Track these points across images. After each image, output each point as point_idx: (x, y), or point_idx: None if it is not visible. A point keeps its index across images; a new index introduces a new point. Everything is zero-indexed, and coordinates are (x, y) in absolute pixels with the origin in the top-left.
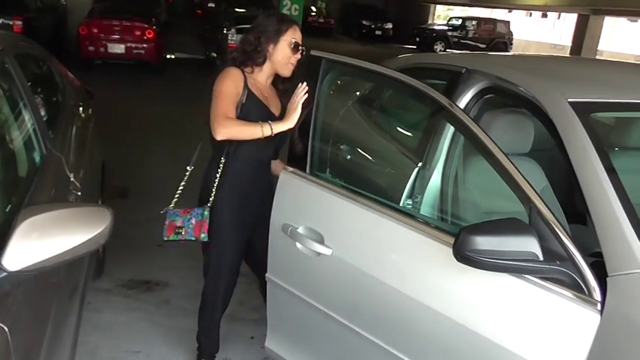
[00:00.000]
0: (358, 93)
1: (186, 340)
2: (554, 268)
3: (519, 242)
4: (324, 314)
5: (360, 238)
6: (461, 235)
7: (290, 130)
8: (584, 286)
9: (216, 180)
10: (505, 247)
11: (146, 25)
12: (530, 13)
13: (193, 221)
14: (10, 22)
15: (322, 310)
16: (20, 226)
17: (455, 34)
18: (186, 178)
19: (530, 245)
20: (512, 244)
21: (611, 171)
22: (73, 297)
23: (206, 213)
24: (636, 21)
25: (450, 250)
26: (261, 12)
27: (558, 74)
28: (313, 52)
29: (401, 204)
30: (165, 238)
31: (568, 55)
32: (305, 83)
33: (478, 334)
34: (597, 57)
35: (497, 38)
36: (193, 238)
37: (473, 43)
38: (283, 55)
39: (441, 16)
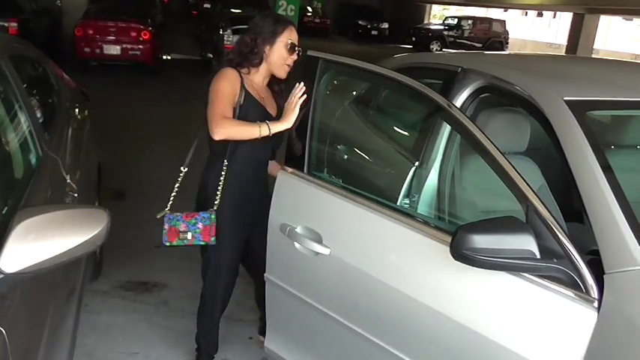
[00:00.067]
0: (355, 93)
1: (185, 341)
2: (552, 266)
3: (516, 240)
4: (323, 314)
5: (358, 238)
6: (458, 233)
7: (287, 130)
8: (581, 284)
9: (220, 182)
10: (502, 246)
11: (142, 26)
12: (526, 13)
13: (200, 225)
14: (5, 24)
15: (321, 310)
16: (16, 228)
17: (451, 33)
18: (180, 180)
19: (527, 243)
20: (509, 243)
21: (607, 169)
22: (70, 299)
23: (213, 217)
24: (631, 20)
25: (448, 249)
26: (257, 12)
27: (554, 73)
28: (310, 53)
29: (398, 203)
30: (167, 244)
31: (564, 54)
32: (302, 83)
33: (476, 332)
34: (593, 56)
35: (493, 37)
36: (203, 243)
37: (469, 43)
38: (279, 56)
39: (437, 16)
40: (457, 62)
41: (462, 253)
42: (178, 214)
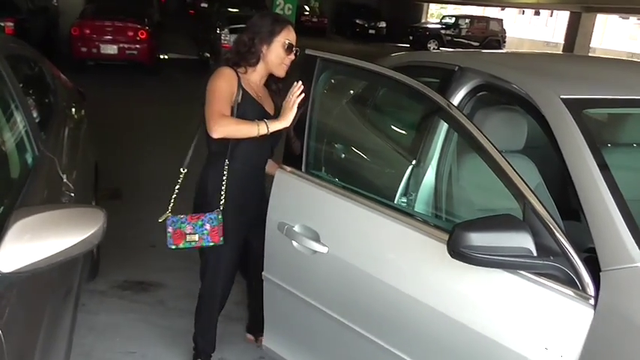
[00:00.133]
0: (353, 92)
1: (182, 341)
2: (548, 264)
3: (513, 238)
4: (321, 312)
5: (356, 236)
6: (455, 231)
7: (285, 128)
8: (577, 282)
9: (224, 182)
10: (499, 243)
11: (139, 26)
12: (523, 11)
13: (208, 226)
14: (2, 24)
15: (319, 308)
16: (12, 228)
17: (448, 32)
18: (180, 181)
19: (524, 241)
20: (506, 240)
21: (603, 167)
22: (67, 298)
23: (220, 217)
24: (628, 18)
25: (445, 247)
26: (254, 12)
27: (551, 71)
28: (308, 52)
29: (395, 201)
30: (173, 247)
31: (560, 53)
32: (300, 82)
33: (473, 329)
34: (590, 54)
35: (490, 36)
36: (211, 244)
37: (466, 42)
38: (277, 56)
39: (434, 15)
40: (454, 61)
41: (459, 251)
42: (182, 216)
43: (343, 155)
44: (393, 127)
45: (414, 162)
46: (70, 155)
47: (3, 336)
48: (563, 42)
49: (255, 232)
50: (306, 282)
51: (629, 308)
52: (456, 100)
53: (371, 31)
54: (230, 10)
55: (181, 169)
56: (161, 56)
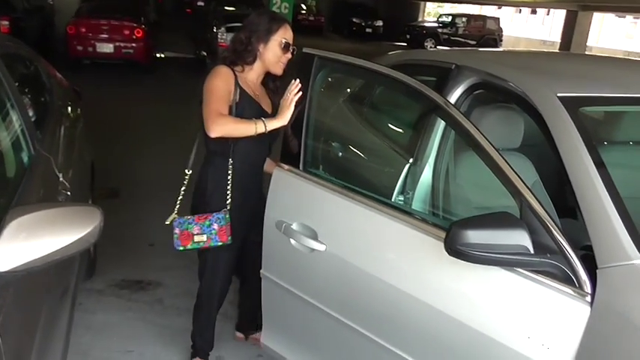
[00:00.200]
0: (351, 90)
1: (180, 339)
2: (545, 261)
3: (510, 236)
4: (319, 310)
5: (354, 234)
6: (452, 229)
7: (283, 127)
8: (574, 279)
9: (229, 181)
10: (496, 241)
11: (135, 24)
12: (520, 10)
13: (216, 226)
14: None
15: (317, 306)
16: (8, 227)
17: (445, 31)
18: (186, 182)
19: (521, 239)
20: (503, 238)
21: (600, 165)
22: (64, 298)
23: (228, 216)
24: (624, 17)
25: (442, 245)
26: (251, 10)
27: (547, 70)
28: (306, 50)
29: (393, 200)
30: (181, 248)
31: (557, 51)
32: (298, 80)
33: (470, 327)
34: (586, 53)
35: (487, 35)
36: (220, 243)
37: (463, 40)
38: (273, 55)
39: (431, 14)
40: (451, 59)
41: (456, 249)
42: (189, 217)
43: (341, 153)
44: (390, 125)
45: (411, 160)
46: (66, 154)
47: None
48: (559, 40)
49: (252, 231)
50: (304, 280)
51: (625, 305)
52: (452, 98)
53: (368, 30)
54: (227, 8)
55: (186, 171)
56: (157, 55)
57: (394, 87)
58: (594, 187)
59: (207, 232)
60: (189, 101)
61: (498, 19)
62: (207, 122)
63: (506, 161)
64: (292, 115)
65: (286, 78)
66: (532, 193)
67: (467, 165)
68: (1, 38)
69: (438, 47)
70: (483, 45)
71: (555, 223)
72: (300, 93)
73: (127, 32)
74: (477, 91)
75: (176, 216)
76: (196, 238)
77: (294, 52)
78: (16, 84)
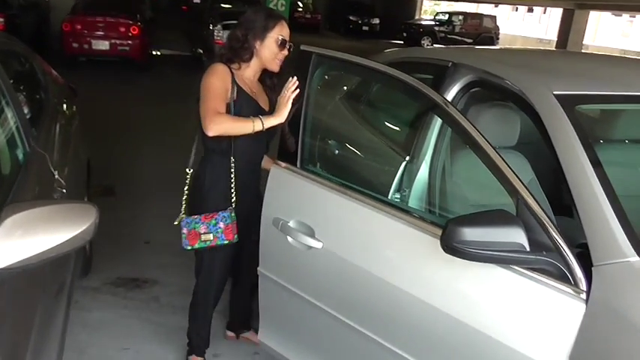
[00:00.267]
0: (348, 88)
1: (176, 337)
2: (541, 259)
3: (506, 233)
4: (316, 307)
5: (350, 232)
6: (448, 226)
7: (280, 124)
8: (570, 277)
9: (232, 180)
10: (492, 238)
11: (131, 22)
12: (517, 8)
13: (222, 225)
14: None
15: (314, 303)
16: (3, 224)
17: (442, 29)
18: (188, 182)
19: (517, 236)
20: (499, 235)
21: (596, 163)
22: (59, 295)
23: (233, 215)
24: (620, 15)
25: (438, 242)
26: (247, 8)
27: (544, 67)
28: (303, 47)
29: (389, 197)
30: (189, 247)
31: (553, 49)
32: (295, 78)
33: (465, 324)
34: (582, 51)
35: (483, 33)
36: (226, 242)
37: (460, 38)
38: (270, 52)
39: (428, 12)
40: (448, 57)
41: (452, 246)
42: (196, 216)
43: (338, 151)
44: (387, 123)
45: (407, 158)
46: (61, 151)
47: None
48: (556, 39)
49: (249, 229)
50: (301, 277)
51: (620, 303)
52: (449, 96)
53: (364, 28)
54: (223, 6)
55: (187, 170)
56: (153, 52)
57: (392, 85)
58: (590, 185)
59: (213, 231)
60: (185, 99)
61: (495, 17)
62: (205, 121)
63: (503, 159)
64: (290, 113)
65: (283, 75)
66: (528, 191)
67: (463, 163)
68: None
69: (434, 45)
70: (480, 43)
71: (551, 221)
72: (298, 90)
73: (122, 29)
74: (473, 89)
75: (183, 216)
76: (203, 237)
77: (291, 49)
78: (11, 81)
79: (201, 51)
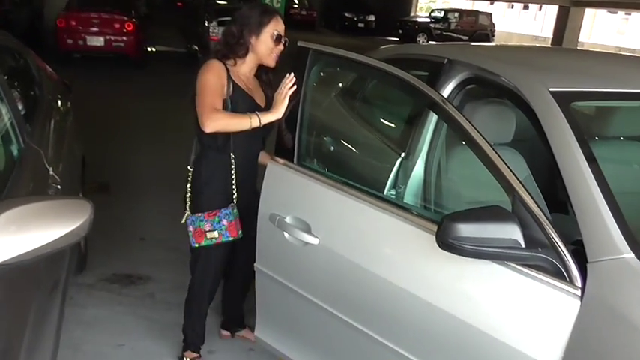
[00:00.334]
0: (345, 84)
1: (171, 333)
2: (536, 255)
3: (502, 229)
4: (312, 303)
5: (347, 228)
6: (444, 222)
7: (277, 120)
8: (565, 273)
9: (233, 177)
10: (488, 234)
11: (125, 18)
12: (512, 5)
13: (225, 222)
14: None
15: (310, 299)
16: None
17: (437, 26)
18: (190, 179)
19: (512, 232)
20: (494, 232)
21: (591, 160)
22: (54, 292)
23: (236, 211)
24: (616, 13)
25: (434, 238)
26: (243, 4)
27: (539, 64)
28: (300, 43)
29: (385, 194)
30: (196, 245)
31: (549, 46)
32: (292, 74)
33: (461, 319)
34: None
35: (479, 30)
36: (231, 239)
37: (455, 35)
38: (265, 47)
39: (424, 9)
40: (443, 53)
41: (447, 242)
42: (200, 214)
43: (335, 148)
44: (383, 119)
45: (403, 154)
46: (56, 148)
47: None
48: (551, 36)
49: (246, 225)
50: (297, 273)
51: (615, 299)
52: (445, 92)
53: (360, 25)
54: (218, 2)
55: (188, 167)
56: (148, 49)
57: (388, 81)
58: (585, 182)
59: (217, 229)
60: (179, 95)
61: (490, 14)
62: (202, 118)
63: (498, 156)
64: (286, 109)
65: (280, 72)
66: (524, 188)
67: (459, 159)
68: None
69: (430, 42)
70: (476, 40)
71: (547, 218)
72: (295, 87)
73: (117, 26)
74: (469, 86)
75: (189, 214)
76: (209, 235)
77: (286, 44)
78: (5, 77)
79: (196, 47)
